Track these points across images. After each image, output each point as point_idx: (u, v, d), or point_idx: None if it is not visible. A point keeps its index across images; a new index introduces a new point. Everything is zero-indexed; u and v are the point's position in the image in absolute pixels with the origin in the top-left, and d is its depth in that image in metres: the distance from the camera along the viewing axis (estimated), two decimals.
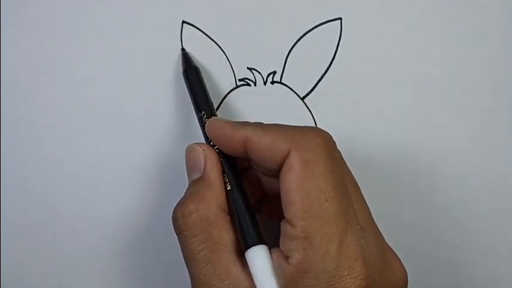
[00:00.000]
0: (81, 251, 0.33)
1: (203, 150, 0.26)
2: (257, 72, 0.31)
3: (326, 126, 0.31)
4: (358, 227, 0.23)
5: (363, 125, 0.32)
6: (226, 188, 0.26)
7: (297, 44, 0.31)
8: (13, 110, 0.31)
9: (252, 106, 0.31)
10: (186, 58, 0.30)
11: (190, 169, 0.27)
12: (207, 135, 0.27)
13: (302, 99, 0.31)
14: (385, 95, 0.32)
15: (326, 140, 0.24)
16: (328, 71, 0.31)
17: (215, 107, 0.31)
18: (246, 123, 0.26)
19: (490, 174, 0.33)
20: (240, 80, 0.31)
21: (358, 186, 0.26)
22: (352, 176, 0.26)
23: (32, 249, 0.33)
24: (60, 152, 0.32)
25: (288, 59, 0.31)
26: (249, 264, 0.23)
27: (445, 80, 0.32)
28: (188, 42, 0.30)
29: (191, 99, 0.29)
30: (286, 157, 0.23)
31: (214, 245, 0.24)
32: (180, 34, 0.30)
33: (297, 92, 0.31)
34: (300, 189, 0.23)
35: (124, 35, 0.30)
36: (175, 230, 0.25)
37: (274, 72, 0.31)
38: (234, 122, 0.26)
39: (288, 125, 0.25)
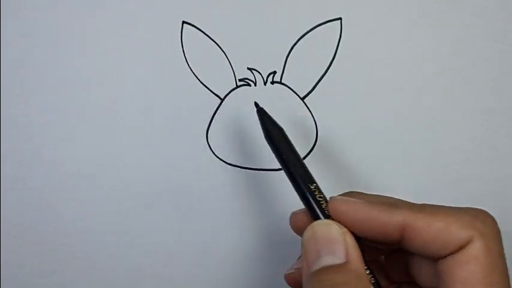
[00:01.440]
0: (81, 251, 0.33)
1: (343, 232, 0.22)
2: (257, 72, 0.31)
3: (326, 126, 0.31)
4: None
5: (363, 125, 0.32)
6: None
7: (297, 44, 0.31)
8: (13, 110, 0.31)
9: (252, 106, 0.31)
10: (265, 118, 0.25)
11: (321, 250, 0.22)
12: (335, 217, 0.23)
13: (302, 99, 0.31)
14: (385, 95, 0.32)
15: (496, 224, 0.22)
16: (328, 71, 0.31)
17: (215, 107, 0.31)
18: (397, 205, 0.22)
19: (490, 174, 0.33)
20: (240, 80, 0.31)
21: None
22: None
23: (32, 249, 0.33)
24: (60, 152, 0.32)
25: (288, 59, 0.31)
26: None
27: (445, 80, 0.32)
28: (188, 42, 0.30)
29: (284, 168, 0.24)
30: (465, 245, 0.21)
31: None
32: (180, 34, 0.30)
33: (297, 92, 0.31)
34: (486, 283, 0.20)
35: (124, 35, 0.30)
36: None
37: (274, 72, 0.31)
38: (374, 202, 0.22)
39: (451, 207, 0.22)
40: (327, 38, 0.31)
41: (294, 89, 0.31)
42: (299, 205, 0.32)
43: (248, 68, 0.31)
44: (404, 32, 0.31)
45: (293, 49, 0.31)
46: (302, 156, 0.32)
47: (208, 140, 0.32)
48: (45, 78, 0.31)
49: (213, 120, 0.31)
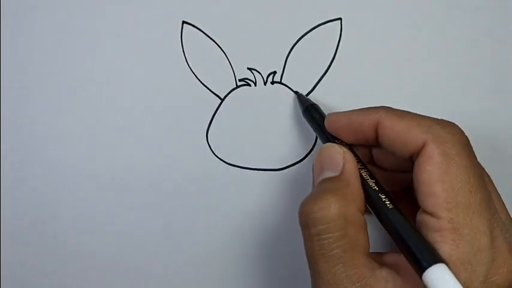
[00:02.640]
0: (81, 251, 0.33)
1: (342, 151, 0.26)
2: (257, 72, 0.31)
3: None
4: (501, 220, 0.23)
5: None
6: (370, 190, 0.25)
7: (297, 44, 0.31)
8: (13, 110, 0.31)
9: (252, 106, 0.31)
10: (303, 99, 0.30)
11: (323, 166, 0.26)
12: (329, 128, 0.27)
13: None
14: (385, 95, 0.32)
15: (463, 135, 0.24)
16: (328, 71, 0.31)
17: (215, 107, 0.31)
18: (376, 108, 0.25)
19: (490, 174, 0.33)
20: (240, 80, 0.31)
21: (492, 182, 0.26)
22: (486, 172, 0.26)
23: (32, 249, 0.33)
24: (60, 152, 0.32)
25: (288, 59, 0.31)
26: (428, 286, 0.21)
27: (445, 80, 0.32)
28: (188, 42, 0.30)
29: (319, 134, 0.29)
30: (421, 148, 0.23)
31: (348, 245, 0.23)
32: (180, 34, 0.30)
33: (297, 92, 0.31)
34: (442, 180, 0.22)
35: (124, 35, 0.30)
36: (305, 224, 0.24)
37: (274, 72, 0.31)
38: (358, 109, 0.26)
39: (421, 115, 0.25)
40: (327, 38, 0.31)
41: (294, 89, 0.31)
42: (299, 206, 0.32)
43: (248, 68, 0.31)
44: (404, 32, 0.31)
45: (293, 49, 0.31)
46: (302, 156, 0.32)
47: (208, 140, 0.32)
48: (45, 78, 0.31)
49: (213, 120, 0.31)
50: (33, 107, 0.31)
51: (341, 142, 0.27)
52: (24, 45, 0.30)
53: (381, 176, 0.27)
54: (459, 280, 0.21)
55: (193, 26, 0.30)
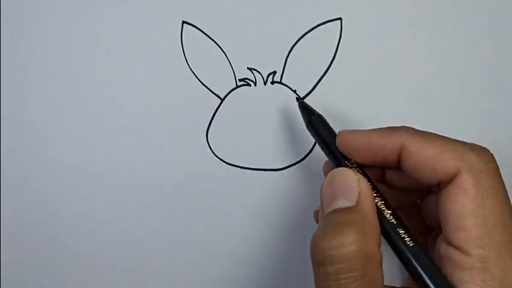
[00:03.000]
0: (81, 251, 0.33)
1: (358, 178, 0.23)
2: (257, 72, 0.31)
3: None
4: None
5: (363, 125, 0.32)
6: (386, 222, 0.23)
7: (297, 44, 0.31)
8: (13, 110, 0.31)
9: (252, 106, 0.31)
10: (306, 108, 0.28)
11: (336, 194, 0.23)
12: (342, 149, 0.25)
13: (302, 99, 0.31)
14: (385, 95, 0.32)
15: (495, 163, 0.22)
16: (328, 71, 0.31)
17: (215, 107, 0.31)
18: (397, 129, 0.23)
19: None
20: (240, 80, 0.31)
21: None
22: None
23: (32, 249, 0.33)
24: (61, 152, 0.32)
25: (288, 59, 0.31)
26: None
27: (445, 80, 0.32)
28: (188, 42, 0.30)
29: (325, 150, 0.27)
30: (453, 176, 0.22)
31: (367, 285, 0.21)
32: (180, 34, 0.30)
33: (297, 92, 0.31)
34: (476, 214, 0.21)
35: (124, 35, 0.30)
36: (320, 261, 0.22)
37: (274, 72, 0.31)
38: (377, 129, 0.24)
39: (451, 139, 0.23)
40: (327, 38, 0.31)
41: (294, 89, 0.31)
42: (300, 205, 0.32)
43: (248, 68, 0.31)
44: (404, 32, 0.31)
45: (293, 49, 0.31)
46: (302, 156, 0.32)
47: (208, 140, 0.32)
48: (45, 78, 0.31)
49: (213, 120, 0.31)
50: (33, 107, 0.31)
51: (351, 161, 0.25)
52: (24, 45, 0.30)
53: (388, 193, 0.26)
54: None
55: (193, 26, 0.30)
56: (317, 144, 0.32)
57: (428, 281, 0.21)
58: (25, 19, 0.30)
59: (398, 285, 0.24)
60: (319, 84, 0.31)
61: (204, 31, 0.30)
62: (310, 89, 0.31)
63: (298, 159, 0.32)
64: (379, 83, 0.31)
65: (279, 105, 0.31)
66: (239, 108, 0.31)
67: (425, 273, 0.22)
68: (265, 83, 0.31)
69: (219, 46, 0.31)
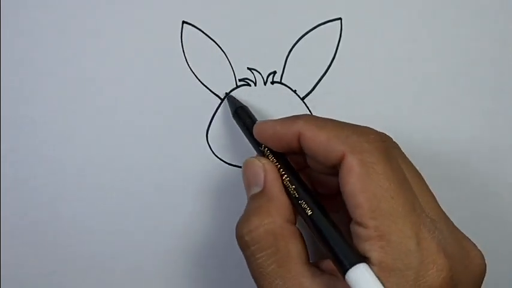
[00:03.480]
0: (81, 251, 0.33)
1: (262, 164, 0.26)
2: (257, 72, 0.31)
3: None
4: (429, 219, 0.23)
5: (362, 125, 0.32)
6: (292, 198, 0.25)
7: (297, 44, 0.31)
8: (13, 110, 0.31)
9: (252, 106, 0.31)
10: (232, 101, 0.30)
11: (249, 184, 0.27)
12: (257, 138, 0.27)
13: (302, 99, 0.31)
14: (385, 95, 0.32)
15: (381, 141, 0.24)
16: (328, 71, 0.31)
17: (215, 107, 0.31)
18: (297, 118, 0.25)
19: (490, 175, 0.33)
20: (240, 80, 0.31)
21: (422, 178, 0.26)
22: (415, 169, 0.26)
23: (32, 249, 0.33)
24: (61, 152, 0.32)
25: (288, 59, 0.31)
26: (352, 286, 0.22)
27: (445, 80, 0.32)
28: (188, 42, 0.30)
29: (248, 137, 0.29)
30: (341, 158, 0.23)
31: (282, 258, 0.24)
32: (180, 34, 0.30)
33: (297, 92, 0.31)
34: (364, 190, 0.23)
35: (124, 35, 0.30)
36: (241, 247, 0.25)
37: (274, 72, 0.31)
38: (282, 119, 0.26)
39: (341, 123, 0.25)
40: (327, 38, 0.31)
41: (294, 89, 0.31)
42: None
43: (248, 68, 0.31)
44: (404, 32, 0.31)
45: (293, 49, 0.31)
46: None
47: (208, 140, 0.32)
48: (45, 78, 0.31)
49: (213, 120, 0.31)
50: (33, 107, 0.31)
51: (263, 147, 0.27)
52: (24, 45, 0.30)
53: (320, 179, 0.28)
54: (385, 285, 0.21)
55: (193, 26, 0.30)
56: None
57: (328, 240, 0.23)
58: (25, 19, 0.30)
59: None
60: (319, 84, 0.31)
61: (204, 31, 0.30)
62: (310, 89, 0.31)
63: None
64: (379, 83, 0.31)
65: (279, 105, 0.31)
66: None
67: (325, 234, 0.23)
68: (265, 83, 0.31)
69: (219, 46, 0.31)
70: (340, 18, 0.31)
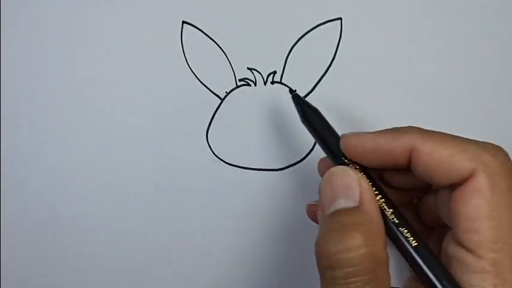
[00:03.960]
0: (81, 251, 0.33)
1: (358, 177, 0.23)
2: (257, 72, 0.31)
3: None
4: None
5: (363, 125, 0.32)
6: (390, 223, 0.22)
7: (297, 44, 0.31)
8: (13, 110, 0.31)
9: (252, 106, 0.31)
10: (300, 101, 0.27)
11: (336, 194, 0.23)
12: (347, 153, 0.24)
13: (295, 91, 0.31)
14: (385, 95, 0.32)
15: (510, 162, 0.21)
16: (328, 71, 0.31)
17: (215, 107, 0.31)
18: (406, 131, 0.23)
19: None
20: (240, 80, 0.31)
21: None
22: None
23: (32, 249, 0.33)
24: (60, 152, 0.32)
25: (288, 59, 0.31)
26: None
27: (445, 80, 0.32)
28: (188, 42, 0.30)
29: (323, 147, 0.26)
30: (467, 178, 0.21)
31: (377, 287, 0.21)
32: (180, 34, 0.30)
33: (297, 92, 0.31)
34: (491, 217, 0.20)
35: (124, 35, 0.30)
36: (326, 265, 0.21)
37: (275, 72, 0.31)
38: (382, 131, 0.23)
39: (463, 138, 0.22)
40: (327, 38, 0.31)
41: (294, 89, 0.31)
42: (299, 205, 0.32)
43: (248, 68, 0.31)
44: (404, 32, 0.31)
45: (293, 49, 0.31)
46: (302, 156, 0.32)
47: (208, 140, 0.32)
48: (45, 78, 0.31)
49: (213, 120, 0.31)
50: (33, 107, 0.31)
51: (350, 161, 0.24)
52: (24, 45, 0.30)
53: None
54: None
55: (193, 26, 0.30)
56: (317, 144, 0.32)
57: (435, 281, 0.21)
58: (25, 19, 0.30)
59: (400, 286, 0.24)
60: (319, 84, 0.31)
61: (204, 31, 0.30)
62: (310, 89, 0.31)
63: (298, 159, 0.32)
64: (379, 83, 0.31)
65: (279, 105, 0.31)
66: (239, 108, 0.31)
67: (431, 272, 0.21)
68: (265, 83, 0.31)
69: (219, 46, 0.31)
70: (340, 18, 0.31)
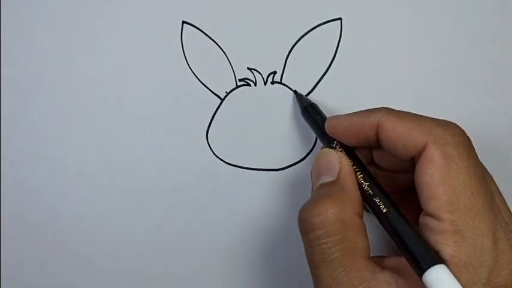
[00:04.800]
0: (81, 251, 0.33)
1: (339, 155, 0.26)
2: (257, 72, 0.31)
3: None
4: (504, 221, 0.23)
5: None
6: (366, 195, 0.25)
7: (297, 44, 0.31)
8: (13, 110, 0.31)
9: (252, 106, 0.31)
10: (301, 98, 0.30)
11: (320, 172, 0.26)
12: (329, 132, 0.27)
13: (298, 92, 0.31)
14: (385, 95, 0.32)
15: (465, 136, 0.24)
16: (328, 71, 0.31)
17: (215, 107, 0.31)
18: (375, 110, 0.25)
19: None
20: (240, 80, 0.31)
21: (494, 180, 0.26)
22: (488, 173, 0.26)
23: (32, 249, 0.33)
24: (60, 152, 0.32)
25: (288, 59, 0.31)
26: (429, 287, 0.21)
27: (445, 80, 0.32)
28: (188, 42, 0.30)
29: (318, 134, 0.29)
30: (422, 150, 0.23)
31: (348, 248, 0.23)
32: (180, 34, 0.30)
33: (297, 92, 0.31)
34: (444, 182, 0.22)
35: (124, 35, 0.30)
36: (304, 230, 0.24)
37: (275, 72, 0.31)
38: (357, 112, 0.26)
39: (421, 116, 0.25)
40: (327, 38, 0.31)
41: (294, 89, 0.31)
42: (300, 205, 0.32)
43: (248, 68, 0.31)
44: (404, 32, 0.31)
45: (293, 49, 0.31)
46: (302, 156, 0.32)
47: (208, 140, 0.32)
48: (45, 78, 0.31)
49: (213, 120, 0.31)
50: (33, 107, 0.31)
51: (340, 145, 0.27)
52: (24, 45, 0.30)
53: (383, 177, 0.27)
54: (460, 282, 0.21)
55: (193, 26, 0.30)
56: (317, 144, 0.32)
57: (405, 240, 0.23)
58: (25, 19, 0.30)
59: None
60: (319, 84, 0.31)
61: (204, 31, 0.30)
62: (310, 89, 0.31)
63: (298, 159, 0.32)
64: (379, 83, 0.31)
65: (279, 105, 0.31)
66: (239, 108, 0.31)
67: (401, 233, 0.23)
68: (265, 83, 0.31)
69: (219, 46, 0.31)
70: (340, 18, 0.31)
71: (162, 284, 0.33)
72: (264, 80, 0.31)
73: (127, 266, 0.33)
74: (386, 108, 0.25)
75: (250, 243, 0.33)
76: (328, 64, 0.31)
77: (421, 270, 0.21)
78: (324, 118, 0.29)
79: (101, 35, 0.30)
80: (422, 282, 0.21)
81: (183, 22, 0.30)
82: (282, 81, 0.31)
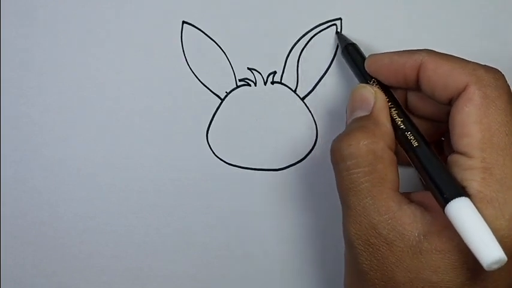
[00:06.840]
0: (81, 251, 0.33)
1: (374, 91, 0.26)
2: (257, 72, 0.31)
3: (326, 127, 0.31)
4: None
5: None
6: (399, 130, 0.25)
7: (297, 44, 0.31)
8: (13, 110, 0.31)
9: (252, 106, 0.31)
10: (342, 38, 0.30)
11: (355, 107, 0.26)
12: (369, 69, 0.27)
13: (302, 99, 0.31)
14: None
15: (506, 82, 0.24)
16: (328, 71, 0.31)
17: (215, 107, 0.31)
18: (419, 50, 0.25)
19: None
20: (240, 80, 0.31)
21: None
22: None
23: (32, 249, 0.33)
24: (60, 152, 0.32)
25: (288, 59, 0.31)
26: (452, 219, 0.21)
27: None
28: (188, 42, 0.30)
29: (356, 74, 0.29)
30: (462, 91, 0.23)
31: (377, 179, 0.24)
32: (180, 34, 0.30)
33: (297, 92, 0.31)
34: (480, 121, 0.22)
35: (124, 35, 0.30)
36: (335, 160, 0.25)
37: (275, 73, 0.31)
38: (399, 51, 0.26)
39: (465, 59, 0.25)
40: (327, 38, 0.31)
41: (294, 89, 0.31)
42: (300, 205, 0.32)
43: (248, 68, 0.31)
44: (404, 32, 0.31)
45: (293, 49, 0.31)
46: (302, 156, 0.32)
47: (208, 140, 0.32)
48: (45, 78, 0.31)
49: (213, 120, 0.31)
50: (33, 107, 0.31)
51: (377, 83, 0.27)
52: (24, 45, 0.30)
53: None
54: (482, 215, 0.21)
55: (193, 26, 0.30)
56: (317, 144, 0.32)
57: (431, 172, 0.23)
58: (25, 19, 0.30)
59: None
60: (319, 84, 0.31)
61: (204, 31, 0.30)
62: (310, 89, 0.31)
63: (298, 159, 0.32)
64: None
65: (279, 105, 0.31)
66: (239, 108, 0.31)
67: (427, 166, 0.23)
68: (265, 83, 0.31)
69: (219, 46, 0.31)
70: (340, 18, 0.31)
71: (162, 284, 0.33)
72: (264, 80, 0.31)
73: (127, 266, 0.33)
74: (430, 50, 0.25)
75: (250, 243, 0.33)
76: (328, 64, 0.31)
77: (445, 201, 0.21)
78: (363, 58, 0.29)
79: (101, 35, 0.30)
80: (445, 214, 0.21)
81: (183, 22, 0.30)
82: (282, 81, 0.31)
